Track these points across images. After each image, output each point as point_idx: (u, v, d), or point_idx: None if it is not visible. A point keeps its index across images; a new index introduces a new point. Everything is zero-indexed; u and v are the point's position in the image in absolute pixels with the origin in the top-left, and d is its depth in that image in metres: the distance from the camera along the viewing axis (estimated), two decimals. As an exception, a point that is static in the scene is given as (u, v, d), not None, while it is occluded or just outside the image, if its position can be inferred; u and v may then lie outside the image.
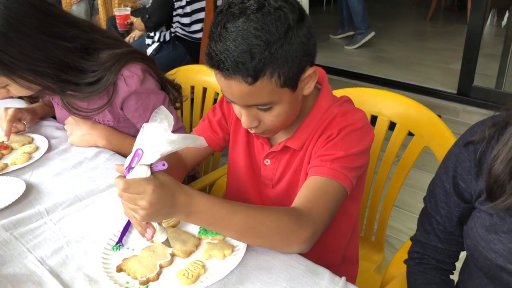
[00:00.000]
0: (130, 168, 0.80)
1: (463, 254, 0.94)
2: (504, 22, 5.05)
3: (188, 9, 2.87)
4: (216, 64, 0.86)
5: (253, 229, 0.88)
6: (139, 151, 0.80)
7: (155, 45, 2.92)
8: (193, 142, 0.83)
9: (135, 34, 3.21)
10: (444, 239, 0.94)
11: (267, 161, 1.11)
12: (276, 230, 0.88)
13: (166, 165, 0.80)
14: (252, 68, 0.84)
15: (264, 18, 0.83)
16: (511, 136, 0.75)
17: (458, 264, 0.99)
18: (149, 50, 2.93)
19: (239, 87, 0.87)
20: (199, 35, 2.91)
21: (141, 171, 0.79)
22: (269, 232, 0.88)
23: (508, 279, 0.79)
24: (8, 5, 1.14)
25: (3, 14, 1.13)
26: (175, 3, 2.84)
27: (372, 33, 4.79)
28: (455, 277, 1.00)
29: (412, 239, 1.02)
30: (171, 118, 0.81)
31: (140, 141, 0.81)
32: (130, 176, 0.80)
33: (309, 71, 0.93)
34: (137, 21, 3.04)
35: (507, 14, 4.89)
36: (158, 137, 0.79)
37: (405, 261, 1.02)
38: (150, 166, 0.80)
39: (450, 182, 0.88)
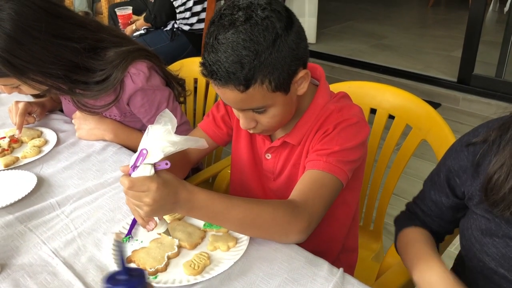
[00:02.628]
0: (135, 166, 0.85)
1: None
2: (506, 8, 5.01)
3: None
4: (209, 74, 0.92)
5: (251, 222, 0.92)
6: (144, 151, 0.84)
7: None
8: (195, 144, 0.87)
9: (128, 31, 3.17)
10: (427, 217, 1.00)
11: (268, 155, 1.15)
12: (273, 221, 0.93)
13: (169, 164, 0.84)
14: (243, 77, 0.88)
15: (252, 29, 0.87)
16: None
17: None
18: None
19: (232, 94, 0.92)
20: (201, 25, 2.94)
21: (145, 170, 0.84)
22: (266, 224, 0.93)
23: (500, 281, 0.83)
24: (18, 10, 1.15)
25: (14, 19, 1.15)
26: (174, 2, 2.90)
27: None
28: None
29: (406, 204, 1.09)
30: (174, 120, 0.85)
31: (145, 142, 0.85)
32: (135, 174, 0.85)
33: (301, 73, 0.97)
34: (139, 21, 3.05)
35: (509, 0, 4.86)
36: (162, 139, 0.84)
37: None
38: (154, 165, 0.84)
39: (444, 173, 0.92)
